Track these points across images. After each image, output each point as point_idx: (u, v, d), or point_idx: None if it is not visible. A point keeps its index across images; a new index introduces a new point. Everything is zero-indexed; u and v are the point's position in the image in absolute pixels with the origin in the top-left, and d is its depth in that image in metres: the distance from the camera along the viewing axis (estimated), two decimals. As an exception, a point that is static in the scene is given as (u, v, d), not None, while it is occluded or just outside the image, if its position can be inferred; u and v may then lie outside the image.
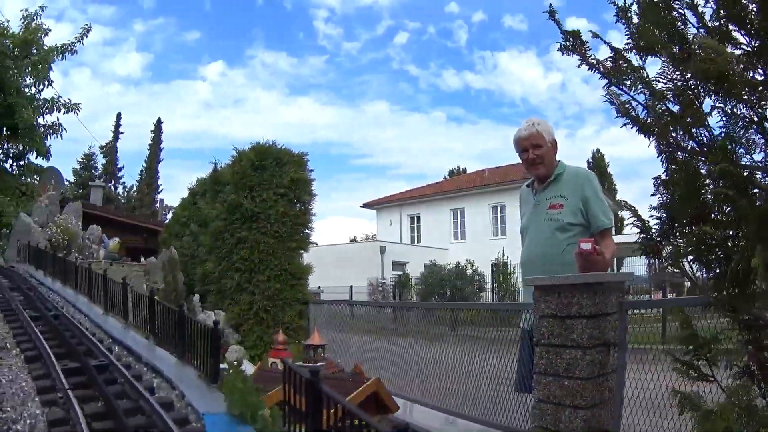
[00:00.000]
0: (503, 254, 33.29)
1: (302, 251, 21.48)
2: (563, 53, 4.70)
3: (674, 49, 4.06)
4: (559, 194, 5.39)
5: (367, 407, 9.21)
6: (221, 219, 21.15)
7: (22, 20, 28.70)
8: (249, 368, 18.01)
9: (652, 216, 4.23)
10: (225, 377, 7.04)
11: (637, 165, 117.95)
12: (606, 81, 4.46)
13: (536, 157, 5.46)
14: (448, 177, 67.06)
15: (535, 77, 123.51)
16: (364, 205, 52.97)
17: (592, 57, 4.61)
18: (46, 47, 28.86)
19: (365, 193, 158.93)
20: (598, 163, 67.47)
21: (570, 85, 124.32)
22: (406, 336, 14.23)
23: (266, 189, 20.78)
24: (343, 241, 57.19)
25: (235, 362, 7.95)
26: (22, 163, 29.54)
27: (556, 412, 4.48)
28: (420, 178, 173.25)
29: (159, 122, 58.21)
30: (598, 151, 58.13)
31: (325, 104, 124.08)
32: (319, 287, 24.71)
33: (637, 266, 27.13)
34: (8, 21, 27.98)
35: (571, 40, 4.68)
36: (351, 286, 30.79)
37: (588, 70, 4.62)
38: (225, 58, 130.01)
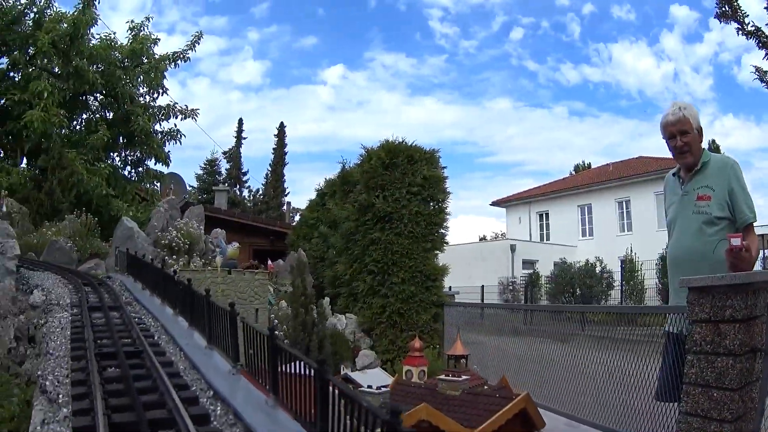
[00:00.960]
0: (630, 250, 32.18)
1: (437, 251, 20.76)
2: (720, 21, 4.20)
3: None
4: (706, 184, 5.17)
5: (513, 425, 8.62)
6: (352, 220, 20.67)
7: (129, 31, 29.45)
8: (384, 377, 17.58)
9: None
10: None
11: (748, 155, 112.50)
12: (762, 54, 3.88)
13: (684, 144, 5.25)
14: (573, 173, 65.52)
15: (648, 68, 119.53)
16: (494, 203, 52.14)
17: (751, 24, 4.10)
18: (157, 56, 29.41)
19: (492, 192, 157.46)
20: (713, 154, 64.21)
21: (681, 75, 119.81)
22: (536, 336, 14.21)
23: (398, 188, 20.12)
24: (473, 240, 56.62)
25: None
26: (140, 169, 30.26)
27: (702, 425, 4.27)
28: (545, 175, 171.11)
29: (282, 126, 59.01)
30: (713, 141, 55.44)
31: (449, 103, 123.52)
32: (450, 287, 24.19)
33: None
34: (114, 33, 28.86)
35: (727, 6, 4.23)
36: (482, 286, 30.10)
37: (746, 39, 4.13)
38: (344, 62, 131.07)
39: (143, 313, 12.16)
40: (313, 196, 25.66)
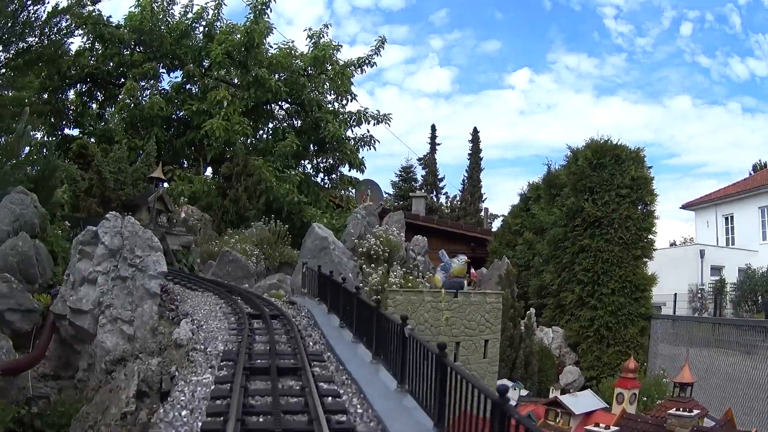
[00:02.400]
0: (804, 255, 29.75)
1: (646, 259, 19.38)
2: None
3: None
4: None
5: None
6: (560, 225, 19.53)
7: (308, 39, 28.99)
8: (594, 400, 15.73)
9: None
10: None
11: None
12: None
13: None
14: (752, 172, 62.13)
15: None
16: (683, 206, 49.89)
17: None
18: (341, 62, 28.90)
19: (679, 195, 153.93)
20: None
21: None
22: (724, 348, 14.72)
23: (607, 190, 18.77)
24: (663, 245, 54.71)
25: None
26: (334, 176, 29.91)
27: None
28: (727, 176, 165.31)
29: (475, 132, 57.26)
30: None
31: (635, 103, 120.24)
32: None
33: None
34: (293, 41, 28.53)
35: None
36: (675, 295, 28.09)
37: None
38: (529, 65, 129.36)
39: (342, 381, 7.58)
40: (510, 201, 24.79)
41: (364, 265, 17.70)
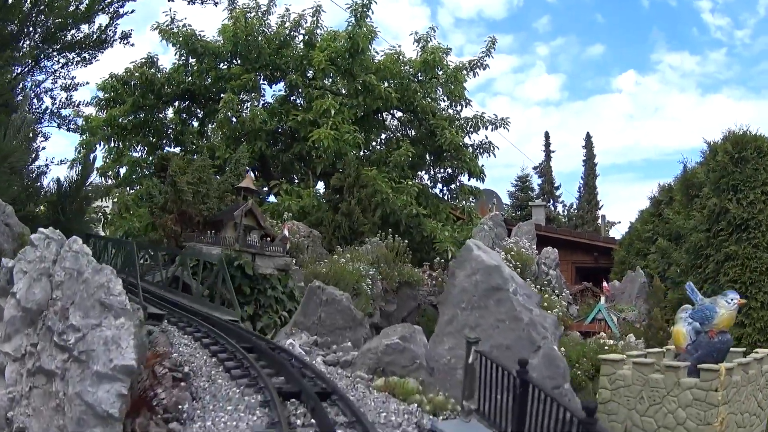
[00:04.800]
0: None
1: None
2: None
3: None
4: None
5: None
6: (701, 230, 18.11)
7: (415, 43, 28.44)
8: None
9: None
10: None
11: None
12: None
13: None
14: None
15: None
16: None
17: None
18: (452, 65, 28.09)
19: None
20: None
21: None
22: None
23: (752, 188, 17.43)
24: None
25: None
26: (453, 186, 28.94)
27: None
28: None
29: (588, 137, 57.21)
30: None
31: (739, 100, 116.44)
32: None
33: None
34: (399, 46, 28.01)
35: None
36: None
37: None
38: (634, 67, 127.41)
39: None
40: (625, 208, 23.51)
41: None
